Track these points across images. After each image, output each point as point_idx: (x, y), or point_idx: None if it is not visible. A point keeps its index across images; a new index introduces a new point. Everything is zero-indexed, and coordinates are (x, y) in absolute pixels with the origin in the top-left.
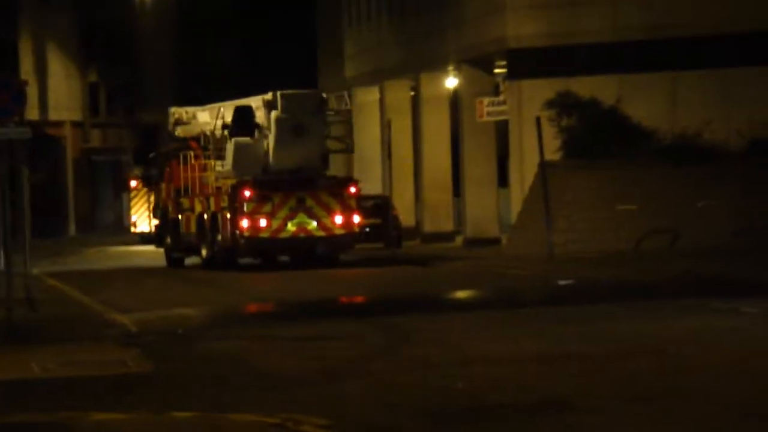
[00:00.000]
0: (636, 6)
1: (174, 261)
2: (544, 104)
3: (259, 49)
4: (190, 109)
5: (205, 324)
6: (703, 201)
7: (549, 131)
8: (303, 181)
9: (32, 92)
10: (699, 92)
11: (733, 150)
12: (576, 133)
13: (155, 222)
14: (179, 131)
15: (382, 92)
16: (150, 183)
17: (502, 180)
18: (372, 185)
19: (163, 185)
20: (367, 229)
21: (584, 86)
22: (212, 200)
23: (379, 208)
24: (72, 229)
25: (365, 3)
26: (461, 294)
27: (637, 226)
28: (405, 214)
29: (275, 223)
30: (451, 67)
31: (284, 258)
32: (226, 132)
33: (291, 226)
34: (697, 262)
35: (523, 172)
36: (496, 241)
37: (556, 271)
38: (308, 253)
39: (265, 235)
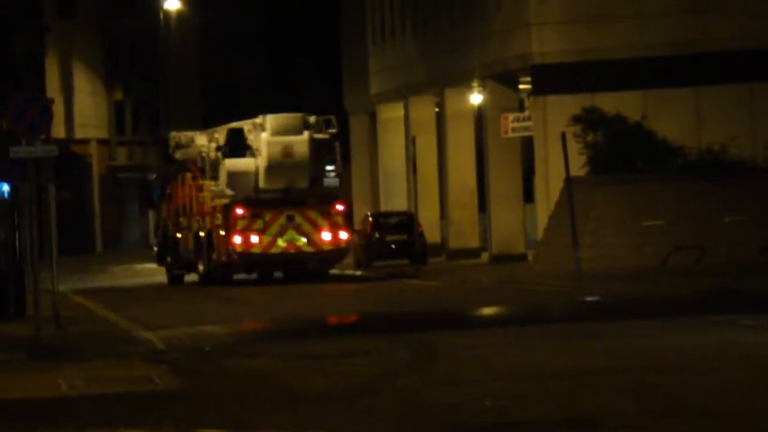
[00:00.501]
0: (660, 22)
1: (174, 278)
2: (569, 120)
3: (284, 66)
4: (189, 133)
5: (231, 341)
6: (729, 217)
7: (574, 147)
8: (292, 199)
9: (58, 110)
10: (724, 107)
11: (759, 165)
12: (601, 149)
13: (157, 241)
14: (179, 154)
15: (406, 108)
16: (152, 204)
17: (528, 196)
18: (397, 201)
19: (164, 206)
20: (393, 246)
21: (609, 102)
22: (208, 219)
23: (404, 224)
24: (99, 246)
25: (389, 20)
26: (488, 310)
27: (663, 241)
28: (430, 231)
29: (266, 240)
30: (475, 83)
31: (278, 274)
32: (220, 154)
33: (281, 242)
34: (723, 278)
35: (549, 188)
36: (522, 257)
37: (582, 287)
38: (299, 268)
39: (257, 251)
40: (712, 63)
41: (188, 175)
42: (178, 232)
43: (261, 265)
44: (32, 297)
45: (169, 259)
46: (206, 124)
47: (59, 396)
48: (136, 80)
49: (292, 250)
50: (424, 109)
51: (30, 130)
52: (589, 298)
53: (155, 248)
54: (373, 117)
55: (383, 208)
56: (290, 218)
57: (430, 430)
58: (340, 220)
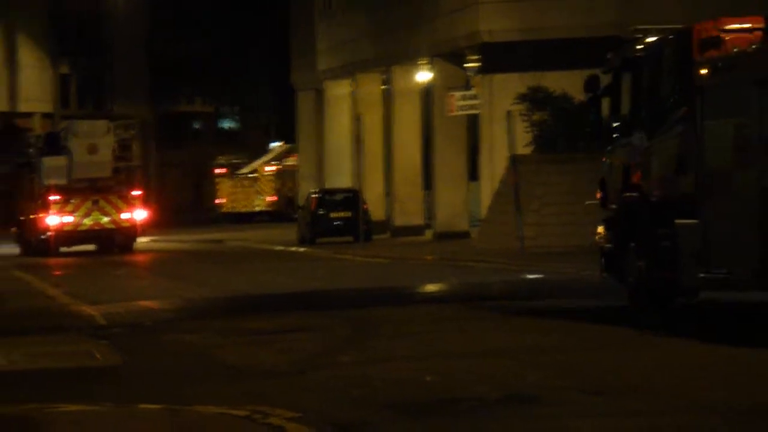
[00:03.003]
0: (608, 2)
1: (26, 251)
2: (515, 98)
3: (233, 41)
4: (39, 135)
5: (172, 317)
6: None
7: (520, 125)
8: (97, 187)
9: (2, 83)
10: None
11: None
12: (546, 128)
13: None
14: (30, 152)
15: (353, 86)
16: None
17: (473, 174)
18: (343, 179)
19: (18, 195)
20: (337, 223)
21: (556, 81)
22: (36, 204)
23: (349, 201)
24: None
25: None
26: (430, 287)
27: None
28: (375, 208)
29: (76, 219)
30: (423, 61)
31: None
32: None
33: (88, 222)
34: None
35: (494, 167)
36: (465, 235)
37: (524, 265)
38: (106, 241)
39: (68, 228)
40: None
41: (28, 170)
42: (22, 216)
43: (73, 239)
44: None
45: (22, 238)
46: (153, 99)
47: None
48: (83, 54)
49: (97, 228)
50: (371, 87)
51: None
52: (531, 276)
53: (12, 230)
54: (320, 94)
55: (328, 185)
56: (95, 202)
57: (372, 407)
58: (137, 203)
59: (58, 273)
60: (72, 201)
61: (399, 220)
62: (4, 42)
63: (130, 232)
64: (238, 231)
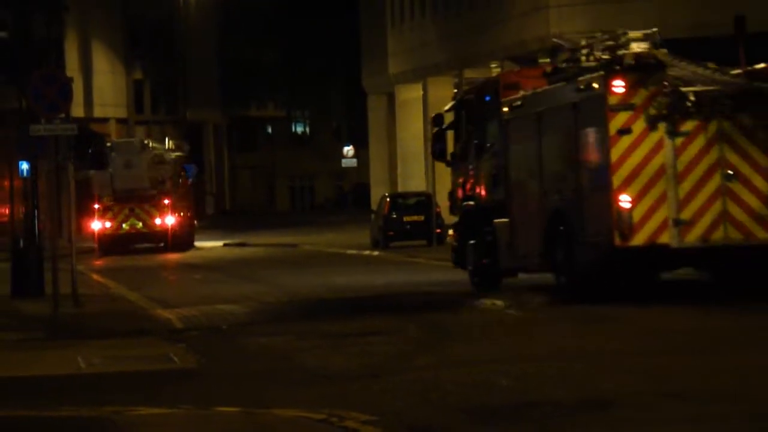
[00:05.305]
0: (680, 3)
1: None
2: None
3: (303, 48)
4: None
5: (248, 320)
6: None
7: None
8: (134, 196)
9: (77, 89)
10: None
11: None
12: None
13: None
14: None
15: (425, 89)
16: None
17: None
18: (415, 182)
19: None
20: (410, 227)
21: None
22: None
23: (421, 205)
24: None
25: (408, 1)
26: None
27: None
28: (448, 211)
29: (115, 225)
30: (494, 64)
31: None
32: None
33: (126, 226)
34: None
35: None
36: None
37: None
38: (151, 242)
39: (109, 232)
40: (730, 46)
41: None
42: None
43: (115, 242)
44: (51, 275)
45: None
46: (225, 103)
47: (78, 374)
48: (156, 60)
49: (133, 231)
50: (442, 90)
51: (49, 108)
52: None
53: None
54: (391, 97)
55: (401, 188)
56: (132, 210)
57: (447, 411)
58: (167, 210)
59: (135, 276)
60: (113, 209)
61: None
62: (79, 48)
63: (162, 235)
64: (311, 235)
